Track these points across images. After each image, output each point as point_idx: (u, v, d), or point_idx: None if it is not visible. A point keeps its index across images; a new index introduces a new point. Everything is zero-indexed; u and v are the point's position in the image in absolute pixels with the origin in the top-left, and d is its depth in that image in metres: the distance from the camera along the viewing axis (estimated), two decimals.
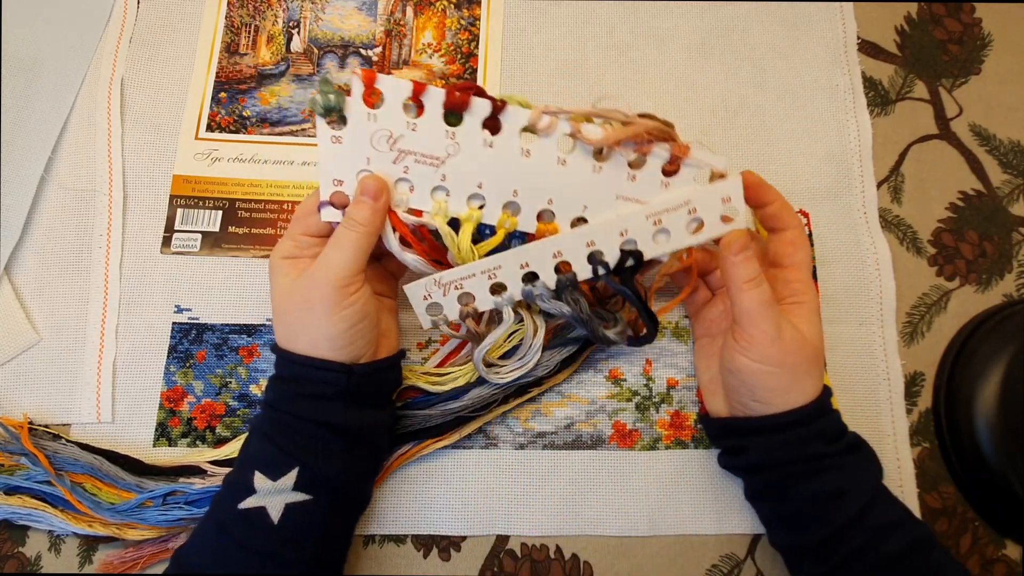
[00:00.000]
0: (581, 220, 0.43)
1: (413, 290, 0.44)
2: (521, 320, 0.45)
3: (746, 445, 0.43)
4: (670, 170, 0.41)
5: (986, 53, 0.59)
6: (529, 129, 0.40)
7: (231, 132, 0.56)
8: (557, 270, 0.43)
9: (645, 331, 0.45)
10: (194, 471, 0.48)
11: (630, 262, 0.42)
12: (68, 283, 0.53)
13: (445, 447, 0.49)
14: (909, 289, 0.54)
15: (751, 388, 0.42)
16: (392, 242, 0.42)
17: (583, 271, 0.43)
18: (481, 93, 0.40)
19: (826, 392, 0.43)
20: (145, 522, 0.46)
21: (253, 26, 0.59)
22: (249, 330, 0.52)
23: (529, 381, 0.48)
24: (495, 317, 0.45)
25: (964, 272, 0.54)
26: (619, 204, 0.42)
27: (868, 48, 0.59)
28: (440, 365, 0.50)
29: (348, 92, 0.39)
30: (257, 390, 0.51)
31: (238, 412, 0.51)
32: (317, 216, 0.42)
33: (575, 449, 0.50)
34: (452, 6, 0.59)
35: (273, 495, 0.39)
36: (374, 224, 0.40)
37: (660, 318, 0.52)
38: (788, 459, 0.41)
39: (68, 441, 0.48)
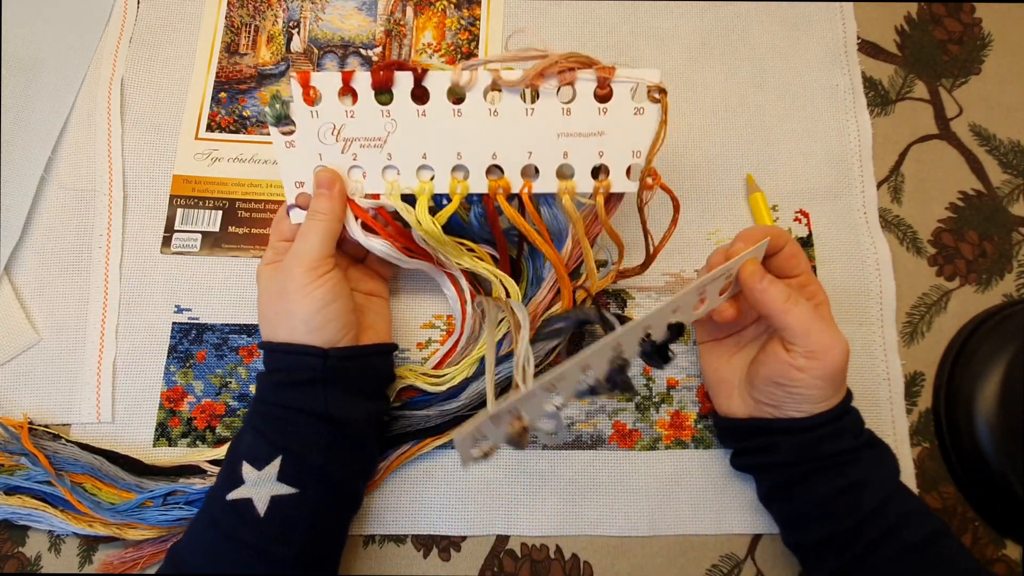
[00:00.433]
0: (531, 168, 0.43)
1: (463, 440, 0.38)
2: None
3: (777, 443, 0.44)
4: (602, 94, 0.41)
5: (986, 53, 0.59)
6: (454, 90, 0.41)
7: (231, 132, 0.56)
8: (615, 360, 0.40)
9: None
10: (194, 471, 0.48)
11: (673, 344, 0.42)
12: (68, 283, 0.53)
13: (445, 447, 0.49)
14: (909, 289, 0.54)
15: (800, 399, 0.42)
16: (355, 230, 0.44)
17: (632, 351, 0.41)
18: (403, 67, 0.41)
19: (848, 390, 0.44)
20: (145, 522, 0.46)
21: (253, 26, 0.59)
22: (249, 330, 0.52)
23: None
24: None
25: (964, 272, 0.54)
26: (562, 142, 0.42)
27: (868, 48, 0.59)
28: (438, 366, 0.50)
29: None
30: (255, 390, 0.51)
31: (238, 412, 0.51)
32: (289, 221, 0.45)
33: (575, 449, 0.50)
34: (452, 6, 0.59)
35: (259, 485, 0.40)
36: (334, 211, 0.43)
37: None
38: (817, 455, 0.42)
39: (68, 441, 0.48)
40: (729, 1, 0.59)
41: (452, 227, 0.45)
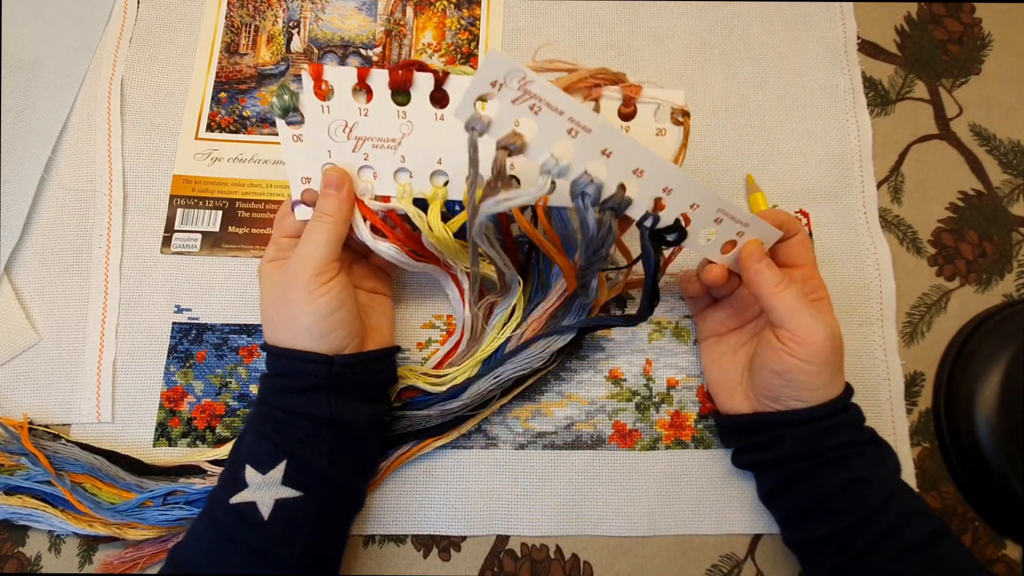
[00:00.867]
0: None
1: (488, 68, 0.33)
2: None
3: (779, 437, 0.44)
4: (626, 112, 0.41)
5: (986, 53, 0.59)
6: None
7: (231, 132, 0.56)
8: (621, 187, 0.38)
9: (639, 311, 0.44)
10: (194, 471, 0.48)
11: (672, 236, 0.40)
12: (68, 283, 0.53)
13: (445, 447, 0.49)
14: (909, 289, 0.54)
15: (797, 387, 0.42)
16: (364, 232, 0.43)
17: (634, 209, 0.38)
18: (424, 68, 0.40)
19: (848, 384, 0.44)
20: (145, 522, 0.46)
21: (253, 26, 0.59)
22: (249, 330, 0.52)
23: (525, 373, 0.48)
24: (513, 182, 0.42)
25: (964, 272, 0.54)
26: None
27: (868, 48, 0.59)
28: (439, 365, 0.50)
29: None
30: (257, 390, 0.51)
31: (238, 412, 0.51)
32: (293, 217, 0.44)
33: (575, 449, 0.50)
34: (452, 6, 0.59)
35: (263, 489, 0.40)
36: (342, 213, 0.41)
37: (660, 318, 0.52)
38: (821, 448, 0.42)
39: (68, 441, 0.48)
40: (729, 1, 0.59)
41: (459, 230, 0.44)
